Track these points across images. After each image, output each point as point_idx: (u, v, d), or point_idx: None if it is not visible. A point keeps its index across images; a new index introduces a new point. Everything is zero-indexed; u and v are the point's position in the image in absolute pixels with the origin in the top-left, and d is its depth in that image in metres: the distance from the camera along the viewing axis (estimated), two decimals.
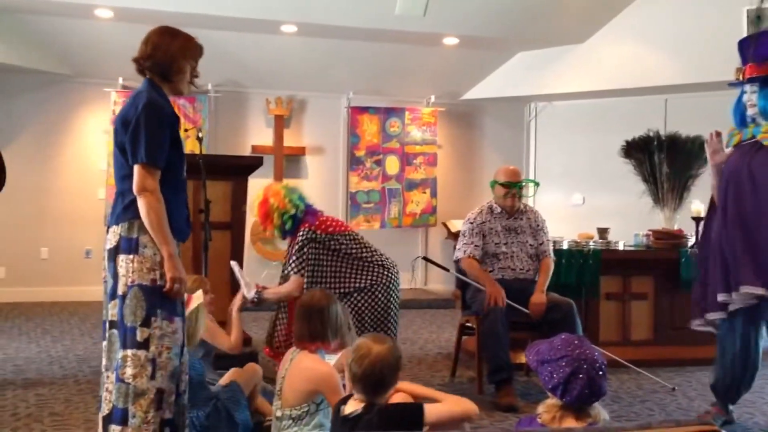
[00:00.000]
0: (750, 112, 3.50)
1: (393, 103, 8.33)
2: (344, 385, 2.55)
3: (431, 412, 2.06)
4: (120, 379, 2.42)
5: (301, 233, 3.84)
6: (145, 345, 2.40)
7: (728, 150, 3.58)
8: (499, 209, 4.38)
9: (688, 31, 6.95)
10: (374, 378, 2.11)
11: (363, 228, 7.81)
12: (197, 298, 3.06)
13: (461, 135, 8.71)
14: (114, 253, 2.46)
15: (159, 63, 2.55)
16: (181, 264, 2.49)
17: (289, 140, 8.11)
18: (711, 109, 6.97)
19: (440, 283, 8.20)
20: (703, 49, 6.80)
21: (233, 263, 3.97)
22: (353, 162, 8.14)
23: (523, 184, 4.39)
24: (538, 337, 4.20)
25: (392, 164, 8.25)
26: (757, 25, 3.69)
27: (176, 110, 2.61)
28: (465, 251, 4.30)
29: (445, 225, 8.13)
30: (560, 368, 2.08)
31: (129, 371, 2.41)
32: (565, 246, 5.05)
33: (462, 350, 4.60)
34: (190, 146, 6.53)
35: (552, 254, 4.41)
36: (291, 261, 3.83)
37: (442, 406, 2.17)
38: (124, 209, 2.47)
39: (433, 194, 8.35)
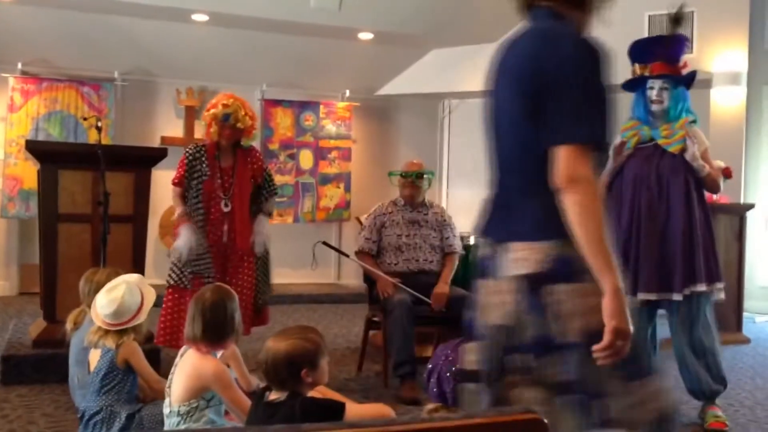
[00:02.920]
0: (655, 107, 3.53)
1: (307, 97, 8.27)
2: (236, 380, 2.53)
3: (351, 411, 2.16)
4: None
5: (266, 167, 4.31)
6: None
7: (627, 151, 3.67)
8: (402, 202, 4.48)
9: (593, 35, 7.19)
10: (267, 368, 2.12)
11: (276, 222, 7.72)
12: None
13: (376, 130, 8.74)
14: (541, 280, 1.67)
15: None
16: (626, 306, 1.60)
17: (201, 132, 7.90)
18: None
19: (353, 278, 8.21)
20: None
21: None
22: (266, 155, 8.01)
23: (421, 173, 4.45)
24: (445, 331, 4.28)
25: (306, 158, 8.20)
26: (675, 28, 3.83)
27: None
28: (360, 246, 4.48)
29: (358, 220, 8.12)
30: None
31: None
32: (472, 241, 5.14)
33: (369, 344, 4.62)
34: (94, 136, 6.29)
35: (460, 249, 4.48)
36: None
37: (362, 408, 2.30)
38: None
39: (347, 189, 8.35)
